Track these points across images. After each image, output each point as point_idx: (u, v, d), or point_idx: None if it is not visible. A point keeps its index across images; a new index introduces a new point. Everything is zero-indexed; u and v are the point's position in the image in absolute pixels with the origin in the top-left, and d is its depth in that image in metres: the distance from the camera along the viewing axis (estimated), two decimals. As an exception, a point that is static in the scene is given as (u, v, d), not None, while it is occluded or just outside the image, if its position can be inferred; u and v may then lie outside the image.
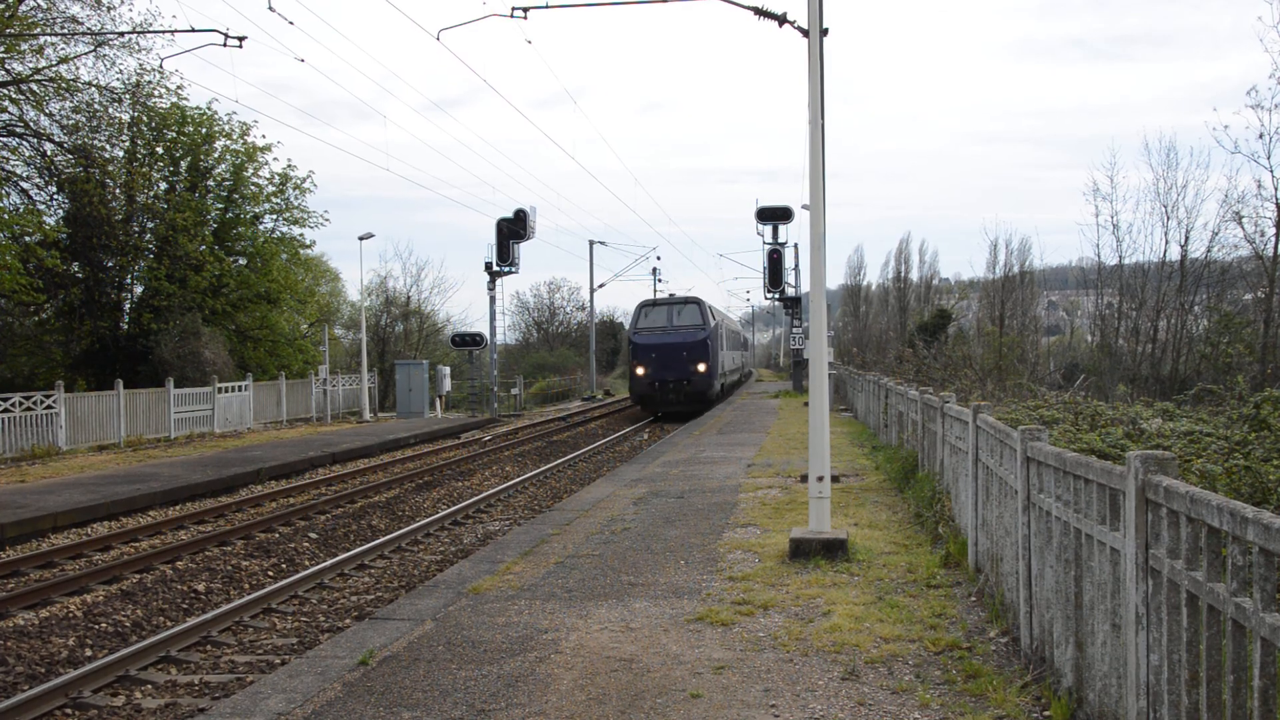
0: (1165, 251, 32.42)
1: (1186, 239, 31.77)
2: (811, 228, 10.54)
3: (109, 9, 32.04)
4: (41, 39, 30.56)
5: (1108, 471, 4.74)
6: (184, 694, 8.05)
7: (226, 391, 31.88)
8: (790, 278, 47.11)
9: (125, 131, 35.42)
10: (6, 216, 30.84)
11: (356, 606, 10.69)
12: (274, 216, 41.23)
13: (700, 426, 28.12)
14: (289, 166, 40.88)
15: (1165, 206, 32.32)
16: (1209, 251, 30.94)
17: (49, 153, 33.64)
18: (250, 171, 39.65)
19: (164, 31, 32.26)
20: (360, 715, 5.89)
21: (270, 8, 14.41)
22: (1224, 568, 3.53)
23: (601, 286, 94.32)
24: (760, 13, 11.33)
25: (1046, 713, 5.54)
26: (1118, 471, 4.57)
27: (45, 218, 33.99)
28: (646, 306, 39.10)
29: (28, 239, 31.50)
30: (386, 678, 6.54)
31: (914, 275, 70.54)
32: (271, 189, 40.46)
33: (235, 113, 48.47)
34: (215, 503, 17.76)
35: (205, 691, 8.05)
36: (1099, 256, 35.49)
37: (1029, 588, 6.43)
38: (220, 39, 13.41)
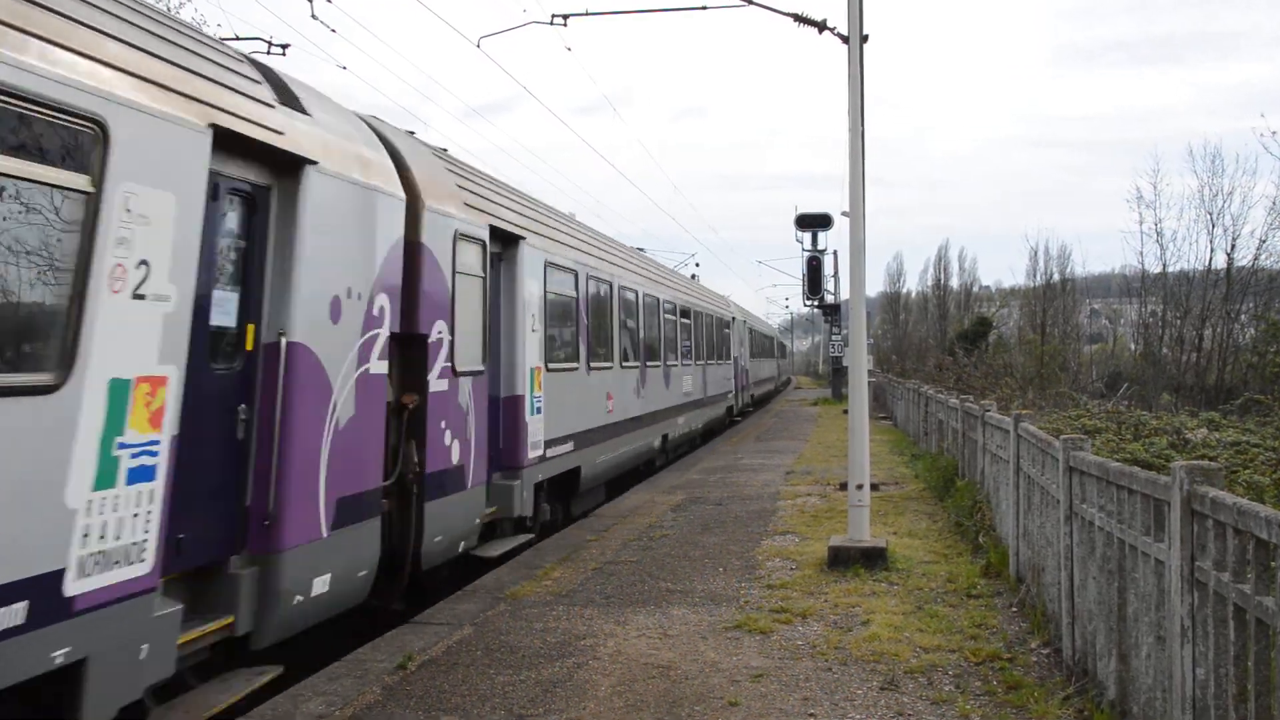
0: (1210, 259, 32.03)
1: (1233, 246, 31.36)
2: (851, 235, 10.50)
3: (156, 19, 32.59)
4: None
5: (1152, 482, 4.69)
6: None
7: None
8: (829, 285, 46.77)
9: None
10: None
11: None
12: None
13: (738, 434, 28.07)
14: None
15: (1210, 214, 31.93)
16: (1256, 259, 30.50)
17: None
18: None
19: None
20: (399, 719, 5.95)
21: (313, 16, 14.57)
22: (1272, 580, 3.48)
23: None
24: (800, 19, 11.30)
25: (1089, 726, 5.48)
26: (1162, 482, 4.52)
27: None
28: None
29: None
30: (425, 681, 6.60)
31: (954, 283, 69.98)
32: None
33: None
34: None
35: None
36: (1142, 264, 35.11)
37: (1071, 599, 6.36)
38: (264, 47, 13.63)
